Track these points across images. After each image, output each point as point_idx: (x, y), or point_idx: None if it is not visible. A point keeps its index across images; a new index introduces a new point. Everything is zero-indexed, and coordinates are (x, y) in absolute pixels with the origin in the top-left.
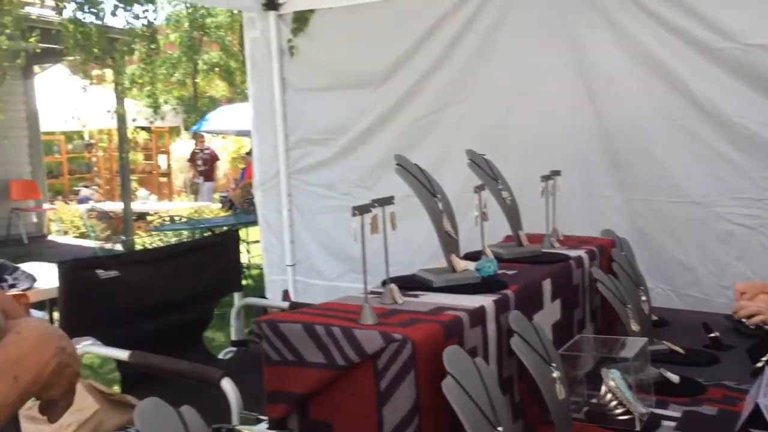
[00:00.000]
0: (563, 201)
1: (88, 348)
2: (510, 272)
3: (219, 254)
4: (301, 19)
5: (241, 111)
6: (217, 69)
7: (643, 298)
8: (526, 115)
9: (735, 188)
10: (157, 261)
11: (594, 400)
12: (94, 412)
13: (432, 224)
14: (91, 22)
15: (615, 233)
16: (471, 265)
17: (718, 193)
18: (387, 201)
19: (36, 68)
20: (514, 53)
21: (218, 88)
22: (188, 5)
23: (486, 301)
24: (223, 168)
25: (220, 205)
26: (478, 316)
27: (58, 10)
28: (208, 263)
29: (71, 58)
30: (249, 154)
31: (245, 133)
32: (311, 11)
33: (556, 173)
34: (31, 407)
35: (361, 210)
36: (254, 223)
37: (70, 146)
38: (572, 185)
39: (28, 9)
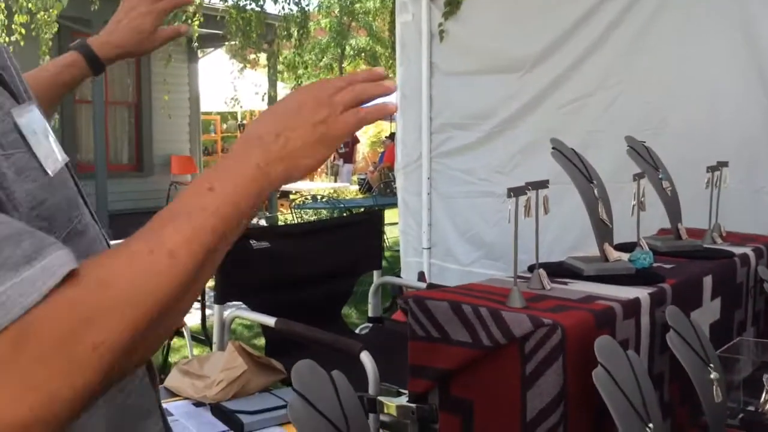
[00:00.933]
0: (725, 194)
1: (238, 312)
2: (667, 266)
3: (362, 232)
4: (454, 3)
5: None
6: (363, 54)
7: None
8: (686, 102)
9: None
10: (304, 235)
11: (751, 408)
12: (242, 372)
13: (586, 210)
14: (252, 9)
15: None
16: (624, 256)
17: None
18: (541, 184)
19: (199, 52)
20: (678, 37)
21: None
22: None
23: (641, 293)
24: (362, 151)
25: (357, 186)
26: (631, 307)
27: None
28: (351, 240)
29: (232, 42)
30: (389, 137)
31: (386, 118)
32: None
33: (724, 164)
34: (187, 362)
35: (515, 192)
36: (390, 205)
37: (224, 126)
38: (736, 178)
39: None
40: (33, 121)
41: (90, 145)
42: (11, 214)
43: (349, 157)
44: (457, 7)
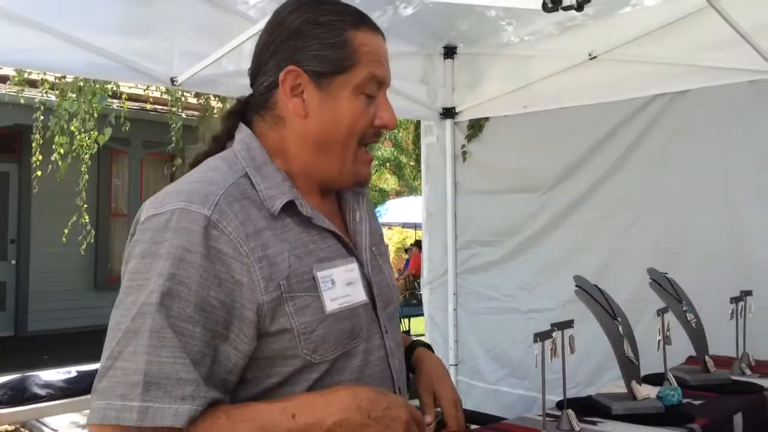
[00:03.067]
0: (751, 315)
1: None
2: (696, 402)
3: None
4: (476, 126)
5: (409, 204)
6: (388, 164)
7: None
8: (707, 225)
9: None
10: None
11: None
12: None
13: (611, 348)
14: None
15: None
16: (653, 392)
17: None
18: (566, 324)
19: None
20: (696, 160)
21: (388, 181)
22: None
23: None
24: None
25: None
26: None
27: None
28: None
29: None
30: (415, 245)
31: (411, 225)
32: (486, 119)
33: (747, 293)
34: None
35: (542, 336)
36: (416, 315)
37: None
38: (762, 299)
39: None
40: (336, 275)
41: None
42: (283, 333)
43: None
44: (479, 130)
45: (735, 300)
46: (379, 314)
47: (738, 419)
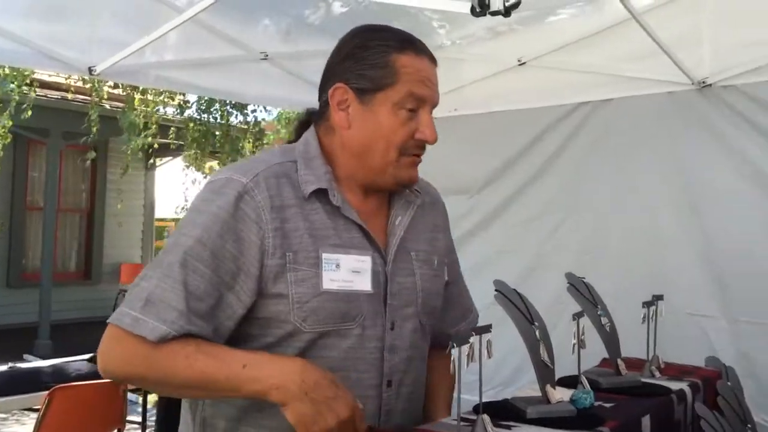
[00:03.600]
0: (662, 318)
1: None
2: (607, 404)
3: None
4: None
5: None
6: None
7: None
8: (626, 229)
9: None
10: None
11: None
12: None
13: (528, 353)
14: (208, 121)
15: (720, 361)
16: (567, 395)
17: None
18: (485, 329)
19: (157, 160)
20: (616, 169)
21: None
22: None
23: None
24: None
25: None
26: None
27: (181, 110)
28: None
29: (190, 152)
30: None
31: None
32: None
33: (659, 297)
34: None
35: (459, 342)
36: None
37: None
38: (673, 304)
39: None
40: (343, 261)
41: (38, 253)
42: (280, 298)
43: None
44: None
45: (647, 304)
46: (387, 309)
47: (646, 421)
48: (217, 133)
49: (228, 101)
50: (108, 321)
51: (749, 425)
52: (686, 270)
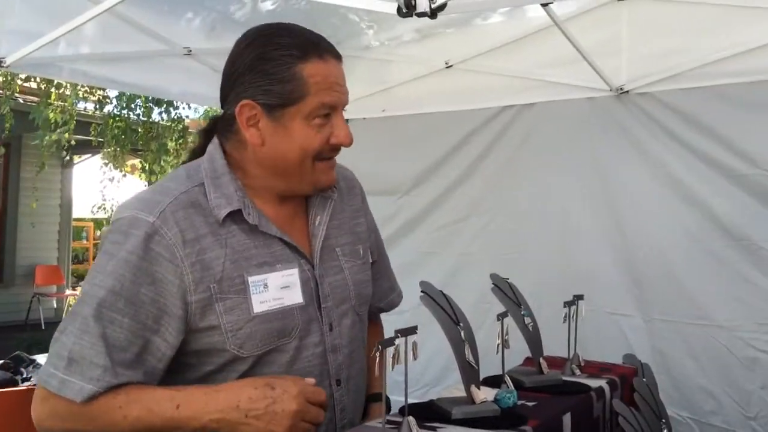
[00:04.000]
0: (583, 318)
1: None
2: (530, 403)
3: None
4: None
5: None
6: None
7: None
8: (547, 231)
9: (760, 313)
10: None
11: None
12: None
13: (453, 353)
14: (128, 117)
15: (637, 358)
16: (492, 394)
17: (743, 318)
18: (410, 331)
19: (75, 158)
20: (539, 170)
21: None
22: None
23: None
24: None
25: None
26: None
27: (100, 106)
28: None
29: (109, 149)
30: None
31: None
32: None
33: (579, 297)
34: None
35: (384, 344)
36: None
37: (98, 233)
38: (592, 303)
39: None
40: (270, 279)
41: None
42: (213, 329)
43: None
44: None
45: (568, 304)
46: (323, 313)
47: (567, 419)
48: (139, 130)
49: (151, 97)
50: (35, 383)
51: (663, 420)
52: (605, 270)
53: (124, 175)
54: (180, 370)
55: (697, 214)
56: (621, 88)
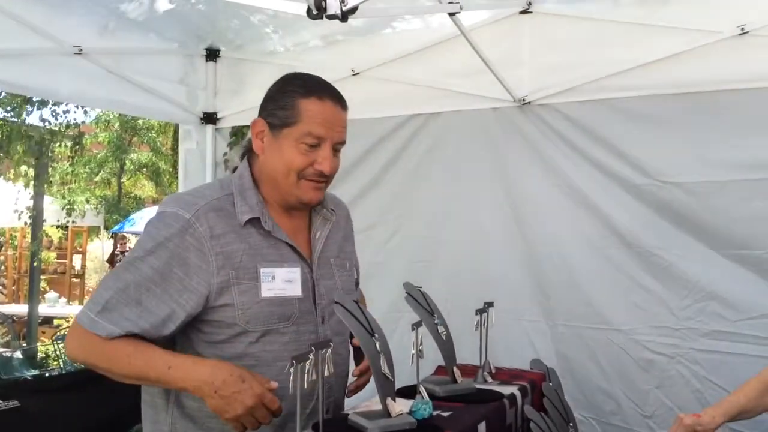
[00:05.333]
0: (493, 325)
1: None
2: (445, 414)
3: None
4: (239, 134)
5: None
6: (144, 169)
7: None
8: (455, 238)
9: (654, 317)
10: (60, 391)
11: None
12: None
13: (369, 364)
14: (8, 121)
15: (543, 363)
16: (407, 406)
17: (639, 322)
18: (324, 345)
19: None
20: (447, 178)
21: (145, 188)
22: None
23: None
24: None
25: None
26: None
27: None
28: (121, 390)
29: None
30: None
31: None
32: (249, 126)
33: (490, 304)
34: None
35: (299, 359)
36: None
37: None
38: (500, 309)
39: None
40: (278, 273)
41: None
42: (227, 306)
43: None
44: (242, 138)
45: (479, 311)
46: (317, 307)
47: (482, 428)
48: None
49: (29, 98)
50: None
51: (571, 423)
52: (511, 277)
53: (5, 180)
54: (197, 337)
55: (596, 222)
56: (523, 99)
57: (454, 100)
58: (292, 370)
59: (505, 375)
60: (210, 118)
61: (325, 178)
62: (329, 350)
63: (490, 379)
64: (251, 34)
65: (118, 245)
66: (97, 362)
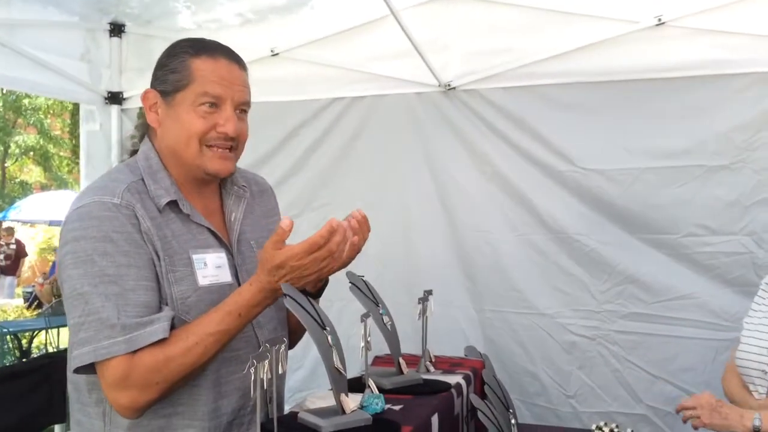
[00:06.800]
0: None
1: None
2: (396, 407)
3: (40, 381)
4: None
5: (57, 199)
6: (32, 153)
7: (513, 421)
8: (383, 224)
9: (576, 301)
10: None
11: None
12: None
13: (321, 358)
14: None
15: (477, 350)
16: (357, 400)
17: (561, 305)
18: (278, 340)
19: None
20: (373, 163)
21: (32, 173)
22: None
23: None
24: (29, 260)
25: (24, 302)
26: None
27: None
28: (28, 392)
29: None
30: None
31: (58, 223)
32: None
33: (429, 293)
34: None
35: (258, 358)
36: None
37: None
38: (435, 299)
39: None
40: (208, 259)
41: None
42: (165, 300)
43: (12, 269)
44: None
45: (421, 300)
46: None
47: (435, 420)
48: None
49: None
50: (81, 365)
51: (511, 410)
52: (439, 263)
53: None
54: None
55: (520, 208)
56: (448, 84)
57: (378, 83)
58: (252, 370)
59: (445, 364)
60: (115, 98)
61: (231, 143)
62: (283, 347)
63: (432, 369)
64: (159, 9)
65: (2, 238)
66: (163, 377)
